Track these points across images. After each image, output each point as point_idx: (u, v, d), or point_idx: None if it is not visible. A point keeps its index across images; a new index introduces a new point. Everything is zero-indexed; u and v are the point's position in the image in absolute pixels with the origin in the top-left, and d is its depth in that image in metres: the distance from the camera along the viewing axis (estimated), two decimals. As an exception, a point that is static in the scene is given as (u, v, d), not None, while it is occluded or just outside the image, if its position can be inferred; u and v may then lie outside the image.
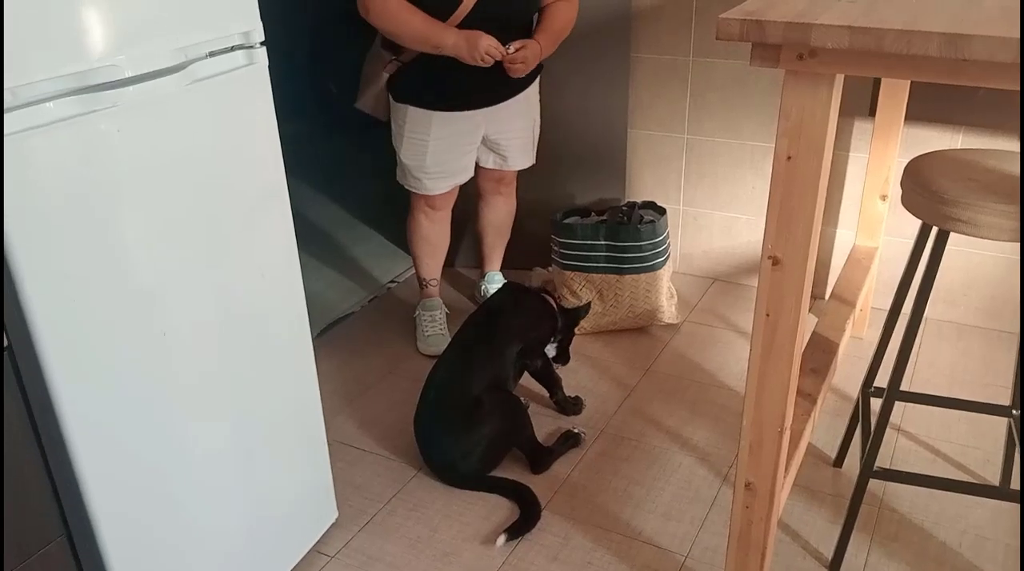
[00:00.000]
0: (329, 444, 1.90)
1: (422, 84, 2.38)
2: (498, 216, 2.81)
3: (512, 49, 2.28)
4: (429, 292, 2.78)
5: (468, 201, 2.83)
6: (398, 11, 2.22)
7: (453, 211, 2.70)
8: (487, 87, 2.40)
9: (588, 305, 2.55)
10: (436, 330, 2.72)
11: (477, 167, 2.62)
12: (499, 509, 2.04)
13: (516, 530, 1.95)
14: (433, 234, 2.67)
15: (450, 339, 2.33)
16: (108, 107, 1.24)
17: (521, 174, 2.86)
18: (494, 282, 2.91)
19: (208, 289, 1.49)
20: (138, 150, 1.30)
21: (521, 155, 2.64)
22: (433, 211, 2.61)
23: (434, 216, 2.63)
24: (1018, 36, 1.06)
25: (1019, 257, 2.59)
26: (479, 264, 2.98)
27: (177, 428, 1.48)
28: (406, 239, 2.73)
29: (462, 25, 2.24)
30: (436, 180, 2.52)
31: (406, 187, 2.56)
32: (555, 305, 2.38)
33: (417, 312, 2.78)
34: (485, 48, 2.22)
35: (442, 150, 2.47)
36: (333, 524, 1.97)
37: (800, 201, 1.31)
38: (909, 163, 1.65)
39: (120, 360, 1.35)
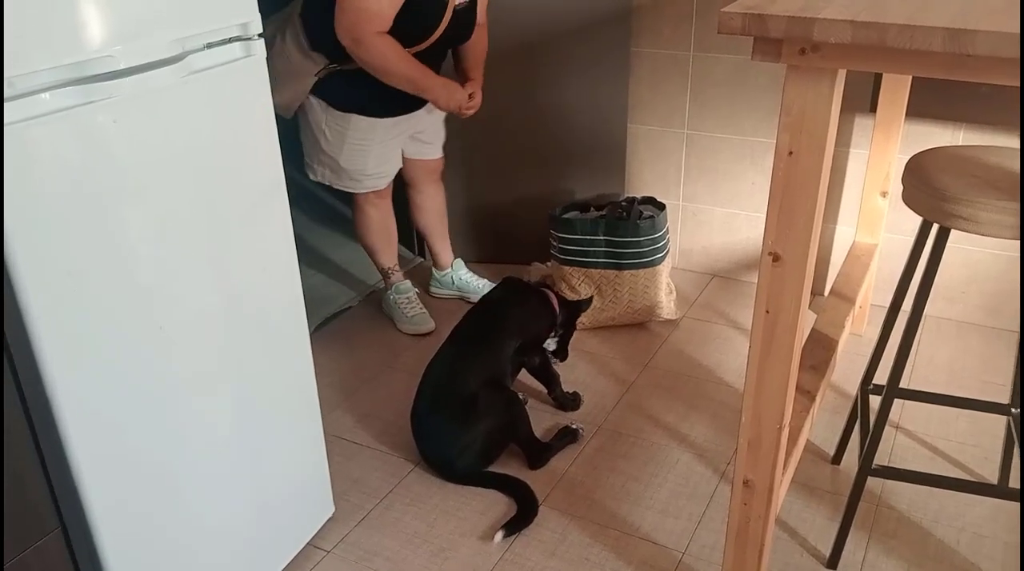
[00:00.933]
0: (326, 438, 1.90)
1: (368, 93, 2.37)
2: (438, 202, 2.85)
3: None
4: (397, 277, 2.82)
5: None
6: (393, 53, 2.25)
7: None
8: None
9: (590, 299, 2.55)
10: (417, 309, 2.79)
11: (406, 161, 2.67)
12: (496, 505, 2.04)
13: (513, 526, 1.95)
14: (384, 223, 2.71)
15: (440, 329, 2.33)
16: (104, 98, 1.23)
17: (521, 168, 2.86)
18: (462, 269, 2.94)
19: (206, 283, 1.48)
20: (135, 142, 1.30)
21: (440, 143, 2.73)
22: (381, 201, 2.66)
23: (382, 205, 2.67)
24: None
25: (1019, 254, 2.58)
26: (433, 260, 2.97)
27: (173, 421, 1.47)
28: (358, 239, 2.76)
29: (430, 45, 2.32)
30: (376, 179, 2.57)
31: (343, 190, 2.58)
32: (555, 300, 2.38)
33: (391, 297, 2.81)
34: (460, 100, 2.44)
35: (385, 152, 2.53)
36: (330, 519, 1.96)
37: (801, 197, 1.31)
38: (910, 159, 1.65)
39: (117, 352, 1.34)
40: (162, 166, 1.35)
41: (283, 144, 1.62)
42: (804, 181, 1.29)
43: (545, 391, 2.38)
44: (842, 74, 1.24)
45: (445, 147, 2.75)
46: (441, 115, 2.66)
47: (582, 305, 2.46)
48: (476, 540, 1.94)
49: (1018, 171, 1.55)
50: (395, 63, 2.27)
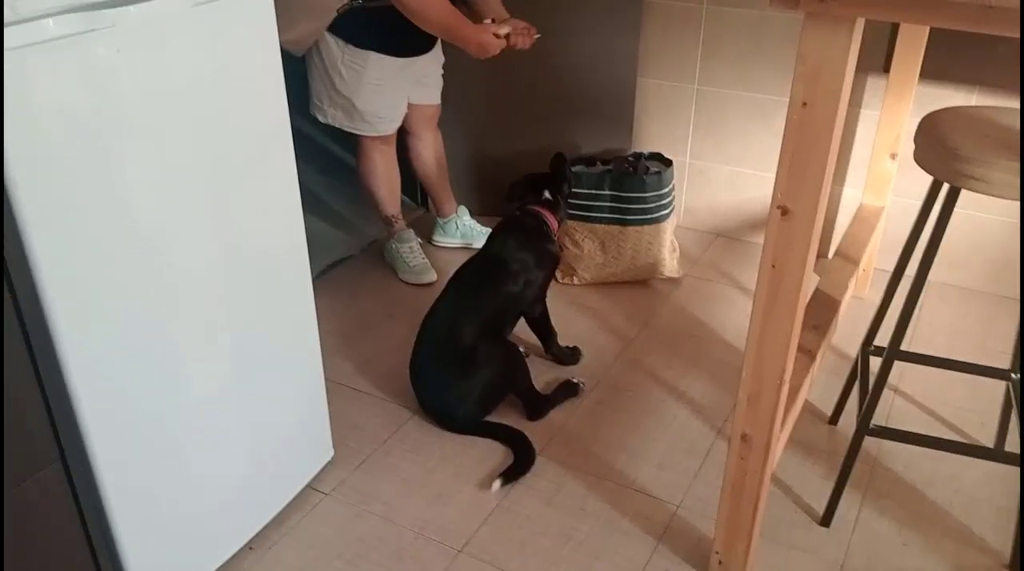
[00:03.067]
0: (326, 384, 1.90)
1: (389, 31, 2.35)
2: (437, 149, 2.84)
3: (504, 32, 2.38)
4: (399, 225, 2.82)
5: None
6: None
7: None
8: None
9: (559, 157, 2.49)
10: (419, 259, 2.79)
11: (409, 106, 2.63)
12: (494, 454, 2.05)
13: (510, 474, 1.96)
14: (389, 169, 2.71)
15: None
16: (109, 26, 1.21)
17: (527, 120, 2.82)
18: (466, 215, 2.96)
19: (209, 223, 1.47)
20: (139, 73, 1.28)
21: (439, 89, 2.71)
22: (387, 147, 2.65)
23: (387, 151, 2.66)
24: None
25: (1020, 219, 2.56)
26: (436, 209, 2.97)
27: (175, 362, 1.47)
28: (362, 186, 2.74)
29: None
30: (388, 122, 2.56)
31: (355, 131, 2.56)
32: (551, 217, 2.31)
33: (393, 246, 2.81)
34: (492, 48, 2.36)
35: (397, 91, 2.52)
36: (329, 462, 1.98)
37: (813, 149, 1.29)
38: (924, 118, 1.62)
39: (118, 291, 1.33)
40: (165, 100, 1.33)
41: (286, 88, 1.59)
42: (817, 133, 1.27)
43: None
44: (860, 24, 1.22)
45: (452, 96, 2.73)
46: (441, 60, 2.64)
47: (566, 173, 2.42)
48: (473, 487, 1.95)
49: (1033, 132, 1.53)
50: (437, 7, 2.27)
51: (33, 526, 1.34)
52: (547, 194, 2.30)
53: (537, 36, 2.43)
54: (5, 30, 1.09)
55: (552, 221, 2.30)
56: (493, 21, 2.40)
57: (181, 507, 1.57)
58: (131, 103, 1.28)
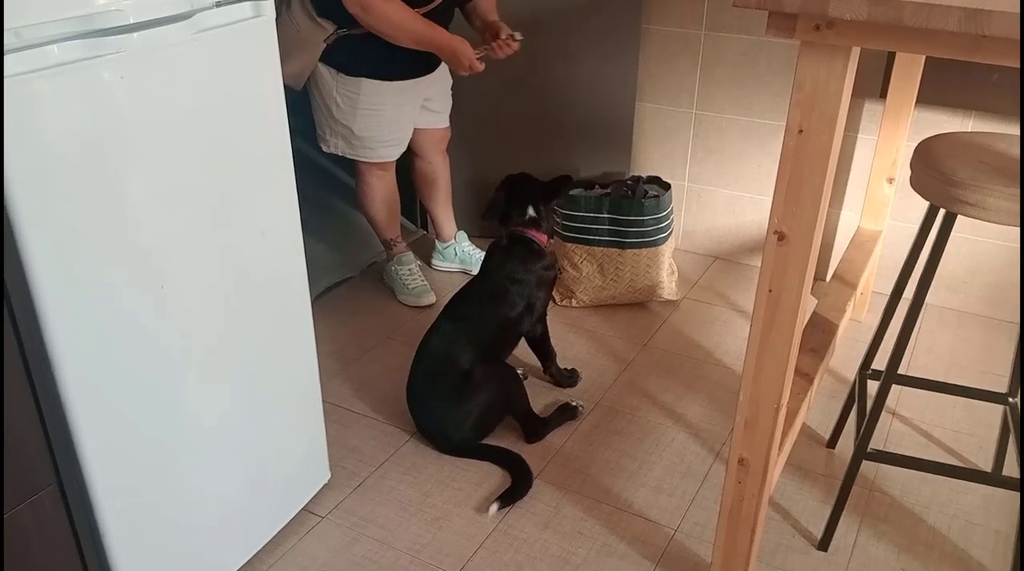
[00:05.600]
0: (324, 406, 1.90)
1: (378, 56, 2.37)
2: (443, 173, 2.85)
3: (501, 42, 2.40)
4: (399, 248, 2.83)
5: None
6: (400, 16, 2.26)
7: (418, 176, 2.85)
8: (430, 54, 2.44)
9: (568, 176, 2.42)
10: (418, 282, 2.80)
11: (415, 131, 2.64)
12: (491, 477, 2.04)
13: (508, 498, 1.95)
14: (388, 193, 2.71)
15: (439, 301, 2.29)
16: (112, 53, 1.22)
17: (526, 143, 2.84)
18: (465, 241, 2.97)
19: (209, 246, 1.48)
20: (142, 99, 1.29)
21: (447, 112, 2.72)
22: (384, 173, 2.65)
23: (386, 177, 2.67)
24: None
25: (1020, 244, 2.58)
26: (436, 232, 2.98)
27: (173, 384, 1.47)
28: (361, 210, 2.75)
29: (433, 10, 2.32)
30: (390, 147, 2.57)
31: (357, 158, 2.57)
32: (542, 236, 2.26)
33: (392, 268, 2.82)
34: (468, 56, 2.35)
35: (398, 117, 2.52)
36: (325, 485, 1.97)
37: (809, 176, 1.30)
38: (920, 144, 1.64)
39: (117, 312, 1.34)
40: (168, 125, 1.34)
41: (288, 114, 1.61)
42: (813, 160, 1.29)
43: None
44: (856, 52, 1.23)
45: (451, 119, 2.74)
46: (448, 82, 2.65)
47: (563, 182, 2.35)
48: (470, 511, 1.94)
49: (1027, 159, 1.54)
50: (403, 26, 2.28)
51: (28, 548, 1.33)
52: (531, 212, 2.26)
53: (520, 40, 2.41)
54: (9, 56, 1.10)
55: (541, 238, 2.26)
56: (485, 40, 2.43)
57: (176, 529, 1.57)
58: (134, 127, 1.29)
